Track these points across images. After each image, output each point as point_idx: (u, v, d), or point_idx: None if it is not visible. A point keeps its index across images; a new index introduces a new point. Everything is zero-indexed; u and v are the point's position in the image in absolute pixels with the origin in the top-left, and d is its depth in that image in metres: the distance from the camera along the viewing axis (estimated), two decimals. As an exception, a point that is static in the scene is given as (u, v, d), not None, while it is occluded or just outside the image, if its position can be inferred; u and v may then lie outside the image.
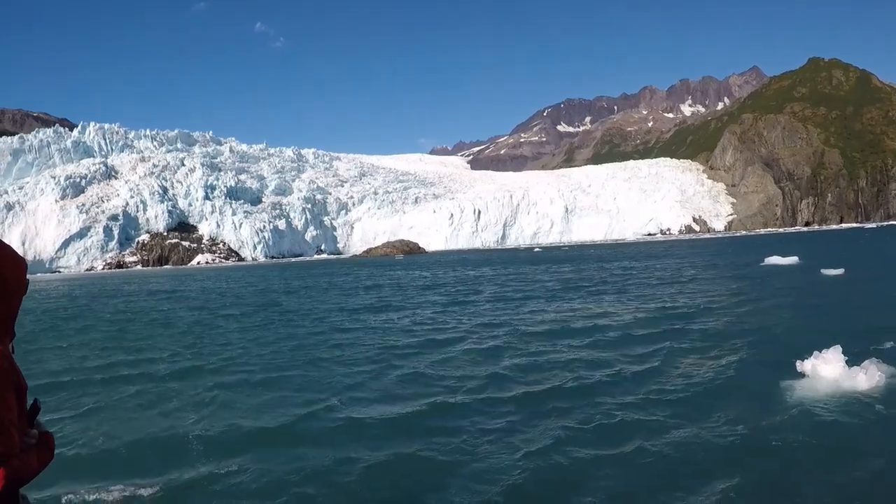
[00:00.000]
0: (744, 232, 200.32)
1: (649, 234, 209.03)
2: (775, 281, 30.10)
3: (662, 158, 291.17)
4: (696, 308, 20.77)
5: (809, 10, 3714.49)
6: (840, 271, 31.17)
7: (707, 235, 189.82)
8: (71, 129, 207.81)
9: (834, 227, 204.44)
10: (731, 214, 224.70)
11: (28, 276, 2.39)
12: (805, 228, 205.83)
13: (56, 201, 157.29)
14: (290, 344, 17.83)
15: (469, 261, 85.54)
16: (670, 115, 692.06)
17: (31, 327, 26.72)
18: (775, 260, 41.44)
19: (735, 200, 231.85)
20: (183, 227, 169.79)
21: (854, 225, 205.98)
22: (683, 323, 17.98)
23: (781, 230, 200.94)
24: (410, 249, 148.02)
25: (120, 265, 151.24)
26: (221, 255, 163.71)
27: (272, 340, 18.33)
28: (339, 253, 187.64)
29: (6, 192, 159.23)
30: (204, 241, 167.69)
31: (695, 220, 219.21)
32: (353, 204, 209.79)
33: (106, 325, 24.41)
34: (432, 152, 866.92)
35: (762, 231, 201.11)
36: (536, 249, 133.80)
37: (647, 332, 16.85)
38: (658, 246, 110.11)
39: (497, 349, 15.81)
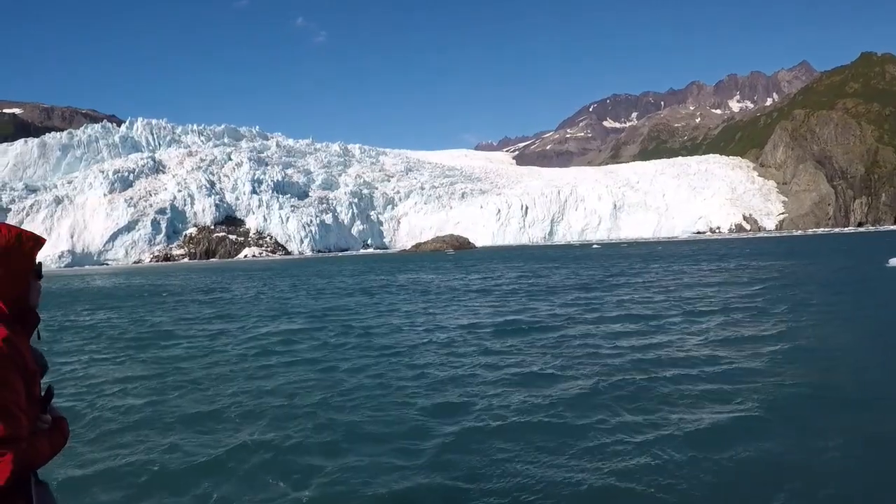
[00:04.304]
0: (798, 232, 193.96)
1: (698, 233, 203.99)
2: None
3: (712, 155, 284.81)
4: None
5: (860, 3, 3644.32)
6: None
7: (762, 234, 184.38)
8: (119, 125, 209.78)
9: (889, 227, 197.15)
10: (783, 213, 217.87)
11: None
12: (861, 229, 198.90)
13: (104, 195, 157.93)
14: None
15: (533, 256, 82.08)
16: (718, 111, 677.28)
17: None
18: (905, 263, 37.36)
19: (786, 199, 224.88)
20: (230, 220, 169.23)
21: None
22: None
23: (836, 230, 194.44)
24: (460, 245, 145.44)
25: (167, 258, 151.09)
26: (268, 249, 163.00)
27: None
28: (386, 247, 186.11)
29: (55, 187, 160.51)
30: (251, 234, 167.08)
31: (745, 218, 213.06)
32: (400, 199, 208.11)
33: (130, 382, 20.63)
34: (477, 148, 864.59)
35: (819, 231, 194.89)
36: (595, 246, 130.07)
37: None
38: (724, 245, 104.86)
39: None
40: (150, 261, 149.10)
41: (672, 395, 11.06)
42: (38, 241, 2.82)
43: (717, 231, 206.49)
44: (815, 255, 58.43)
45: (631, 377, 12.31)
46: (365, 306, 28.44)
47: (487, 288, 35.39)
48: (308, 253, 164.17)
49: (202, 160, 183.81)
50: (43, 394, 2.81)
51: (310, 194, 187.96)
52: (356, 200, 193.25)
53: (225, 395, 12.23)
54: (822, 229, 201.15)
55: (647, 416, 9.87)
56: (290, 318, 25.02)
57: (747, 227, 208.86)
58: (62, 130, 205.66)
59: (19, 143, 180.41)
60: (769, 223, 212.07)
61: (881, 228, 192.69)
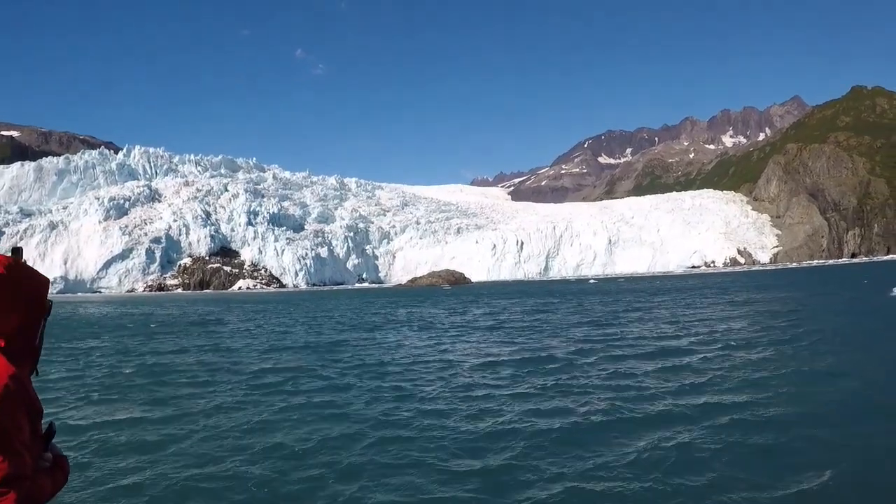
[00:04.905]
0: (793, 264, 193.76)
1: (693, 267, 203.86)
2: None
3: (706, 190, 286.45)
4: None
5: (850, 39, 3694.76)
6: None
7: (756, 268, 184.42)
8: (116, 152, 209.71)
9: (883, 258, 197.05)
10: (777, 246, 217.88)
11: (52, 297, 2.70)
12: (854, 260, 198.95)
13: (99, 222, 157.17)
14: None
15: (532, 291, 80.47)
16: (711, 147, 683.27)
17: None
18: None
19: (780, 232, 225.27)
20: (225, 252, 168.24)
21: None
22: None
23: (831, 262, 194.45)
24: (456, 280, 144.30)
25: (161, 288, 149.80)
26: (263, 282, 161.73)
27: None
28: (381, 282, 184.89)
29: (50, 211, 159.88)
30: (246, 266, 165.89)
31: (739, 252, 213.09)
32: (396, 233, 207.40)
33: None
34: (473, 183, 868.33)
35: (814, 263, 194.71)
36: (592, 281, 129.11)
37: None
38: (723, 278, 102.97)
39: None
40: (144, 290, 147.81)
41: (765, 448, 9.69)
42: (48, 282, 2.86)
43: (711, 265, 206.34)
44: (819, 287, 58.65)
45: (698, 428, 10.89)
46: (371, 343, 27.26)
47: (496, 325, 34.20)
48: (303, 286, 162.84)
49: (198, 190, 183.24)
50: (44, 431, 2.79)
51: (305, 227, 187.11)
52: (352, 234, 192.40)
53: (233, 449, 10.79)
54: (816, 261, 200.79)
55: (745, 478, 8.45)
56: (293, 354, 23.79)
57: (742, 260, 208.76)
58: (59, 155, 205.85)
59: (15, 167, 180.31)
60: (763, 256, 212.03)
61: (874, 259, 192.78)
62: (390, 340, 28.07)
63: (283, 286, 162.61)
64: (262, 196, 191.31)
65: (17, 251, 2.82)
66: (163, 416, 13.41)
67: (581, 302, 52.79)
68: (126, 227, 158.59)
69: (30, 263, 2.77)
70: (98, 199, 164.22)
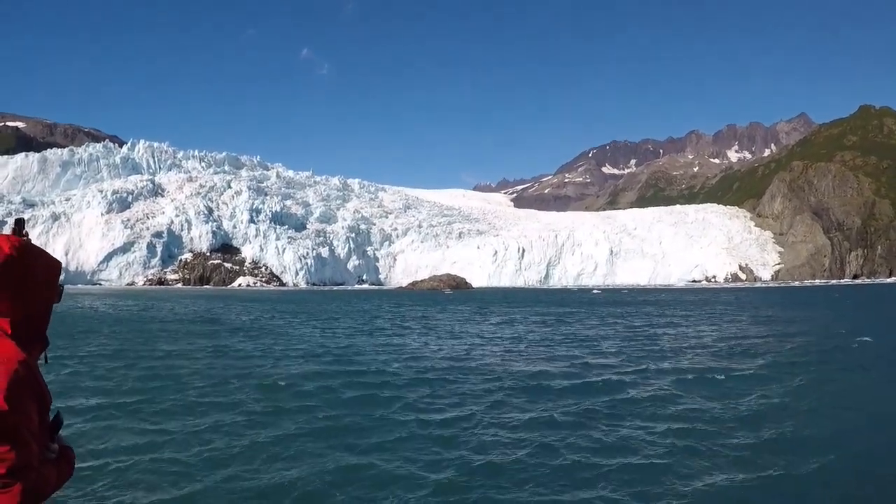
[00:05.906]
0: (795, 283, 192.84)
1: (694, 281, 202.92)
2: None
3: (709, 204, 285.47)
4: None
5: (860, 58, 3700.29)
6: None
7: (758, 285, 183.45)
8: (120, 146, 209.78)
9: (885, 280, 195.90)
10: (779, 264, 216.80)
11: (64, 286, 2.84)
12: (857, 281, 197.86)
13: (101, 215, 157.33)
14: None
15: (538, 299, 79.26)
16: (716, 161, 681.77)
17: None
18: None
19: (782, 249, 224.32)
20: (226, 248, 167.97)
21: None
22: None
23: (833, 282, 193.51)
24: (457, 284, 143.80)
25: (161, 282, 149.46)
26: (263, 279, 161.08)
27: None
28: (381, 284, 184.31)
29: (53, 203, 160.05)
30: (246, 263, 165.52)
31: (741, 268, 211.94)
32: (397, 236, 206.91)
33: None
34: (476, 188, 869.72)
35: (816, 282, 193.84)
36: (595, 291, 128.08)
37: None
38: (731, 294, 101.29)
39: None
40: (144, 284, 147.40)
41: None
42: (60, 265, 2.87)
43: (712, 280, 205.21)
44: (835, 308, 57.61)
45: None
46: (393, 351, 25.66)
47: (518, 336, 32.59)
48: (303, 285, 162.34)
49: (202, 186, 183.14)
50: (51, 421, 2.73)
51: (307, 227, 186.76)
52: (353, 235, 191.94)
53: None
54: (818, 281, 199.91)
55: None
56: (312, 365, 21.43)
57: (743, 276, 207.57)
58: (64, 147, 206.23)
59: (20, 157, 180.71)
60: (765, 273, 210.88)
61: (876, 281, 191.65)
62: (414, 349, 26.62)
63: (282, 284, 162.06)
64: (265, 194, 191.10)
65: (19, 222, 2.77)
66: (166, 459, 10.47)
67: (598, 314, 51.30)
68: (128, 220, 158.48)
69: None
70: (101, 191, 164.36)
